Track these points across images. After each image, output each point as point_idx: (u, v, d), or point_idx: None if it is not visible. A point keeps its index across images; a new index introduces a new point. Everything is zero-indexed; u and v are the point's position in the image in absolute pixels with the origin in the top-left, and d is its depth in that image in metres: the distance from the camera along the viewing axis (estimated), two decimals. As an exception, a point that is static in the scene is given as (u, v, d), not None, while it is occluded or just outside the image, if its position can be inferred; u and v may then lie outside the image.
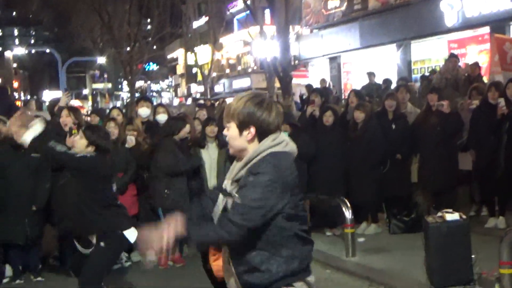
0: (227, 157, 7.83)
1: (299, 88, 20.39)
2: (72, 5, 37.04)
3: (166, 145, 7.89)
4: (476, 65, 12.97)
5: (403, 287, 6.45)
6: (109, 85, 66.14)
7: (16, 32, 61.63)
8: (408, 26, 19.91)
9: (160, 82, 70.20)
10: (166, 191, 7.78)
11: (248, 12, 25.05)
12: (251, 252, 3.16)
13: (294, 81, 21.50)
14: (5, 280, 7.46)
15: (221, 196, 3.31)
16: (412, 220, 8.67)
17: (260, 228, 3.10)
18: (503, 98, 8.25)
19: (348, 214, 7.58)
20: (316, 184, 8.53)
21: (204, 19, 43.34)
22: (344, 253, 7.64)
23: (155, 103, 12.26)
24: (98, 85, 69.58)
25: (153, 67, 62.06)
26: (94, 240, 5.41)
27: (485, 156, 8.48)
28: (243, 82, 38.25)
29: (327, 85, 19.91)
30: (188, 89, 52.70)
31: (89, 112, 23.83)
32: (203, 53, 43.26)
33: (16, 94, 51.38)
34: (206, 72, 41.54)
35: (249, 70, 40.16)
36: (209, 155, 8.30)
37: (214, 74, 43.41)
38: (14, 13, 63.74)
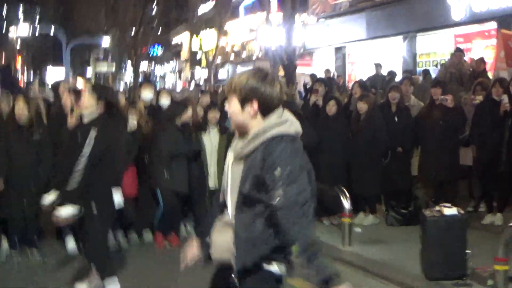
0: (228, 143, 7.84)
1: (303, 77, 20.35)
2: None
3: (168, 129, 7.91)
4: (481, 60, 12.92)
5: (398, 279, 6.47)
6: (113, 67, 65.99)
7: (21, 10, 61.55)
8: (414, 18, 19.82)
9: (165, 63, 70.09)
10: (165, 173, 7.80)
11: (255, -1, 24.98)
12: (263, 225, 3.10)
13: (298, 70, 21.44)
14: (2, 254, 7.53)
15: (228, 164, 3.27)
16: (410, 212, 8.69)
17: None
18: (507, 95, 8.24)
19: (346, 204, 7.60)
20: (316, 173, 8.52)
21: (210, 4, 43.18)
22: (340, 243, 7.67)
23: (158, 87, 12.26)
24: (102, 67, 69.41)
25: (158, 50, 61.88)
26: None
27: (486, 152, 8.48)
28: (247, 69, 38.15)
29: (332, 75, 19.88)
30: (192, 74, 52.60)
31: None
32: (208, 39, 43.16)
33: (19, 75, 51.36)
34: (210, 57, 41.43)
35: (254, 57, 40.04)
36: (210, 140, 8.32)
37: (218, 60, 43.34)
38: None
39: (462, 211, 6.48)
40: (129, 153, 7.72)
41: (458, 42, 18.65)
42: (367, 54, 23.42)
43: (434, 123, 8.75)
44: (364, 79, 16.23)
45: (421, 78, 14.43)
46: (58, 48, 47.65)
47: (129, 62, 44.20)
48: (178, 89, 37.42)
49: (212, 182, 8.25)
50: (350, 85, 16.75)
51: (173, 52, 61.57)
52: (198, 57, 48.05)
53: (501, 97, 8.26)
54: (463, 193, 9.47)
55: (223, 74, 42.49)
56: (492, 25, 17.12)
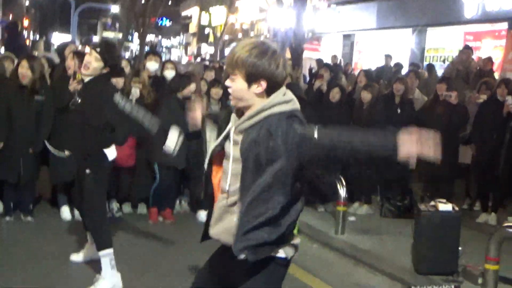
0: (228, 119, 7.81)
1: (309, 62, 20.28)
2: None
3: (168, 101, 7.87)
4: (489, 59, 12.88)
5: (387, 270, 6.49)
6: (120, 35, 65.82)
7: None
8: (426, 12, 19.72)
9: (171, 38, 69.86)
10: (164, 147, 7.76)
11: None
12: (270, 204, 3.02)
13: (306, 54, 21.37)
14: (-5, 216, 7.54)
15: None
16: (404, 205, 8.69)
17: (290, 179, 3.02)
18: (511, 96, 8.22)
19: (342, 192, 7.60)
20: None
21: (222, -21, 42.98)
22: (333, 230, 7.68)
23: (164, 59, 12.18)
24: (109, 34, 69.20)
25: (166, 22, 61.66)
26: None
27: (486, 152, 8.48)
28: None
29: (338, 62, 19.82)
30: (199, 49, 52.46)
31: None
32: (217, 14, 43.00)
33: (25, 33, 51.09)
34: (218, 34, 41.33)
35: (262, 37, 39.94)
36: (212, 117, 8.26)
37: (226, 37, 43.21)
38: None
39: (457, 208, 6.49)
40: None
41: (467, 40, 18.58)
42: (376, 43, 23.36)
43: (437, 118, 8.72)
44: (373, 69, 16.18)
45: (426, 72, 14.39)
46: (66, 11, 47.37)
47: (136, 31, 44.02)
48: (184, 63, 37.30)
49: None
50: (356, 73, 16.70)
51: (181, 25, 61.35)
52: (206, 32, 47.88)
53: (505, 98, 8.25)
54: (459, 191, 9.48)
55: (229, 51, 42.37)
56: (503, 25, 17.06)
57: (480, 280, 5.84)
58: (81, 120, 5.54)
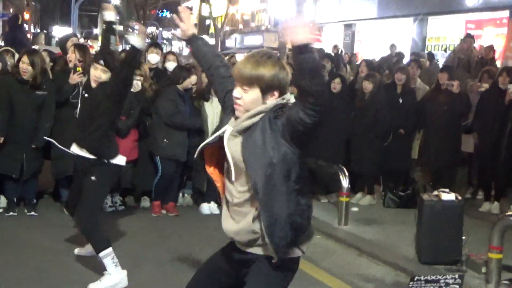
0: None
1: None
2: None
3: (168, 93, 7.86)
4: (491, 48, 12.85)
5: (391, 260, 6.49)
6: (121, 27, 65.71)
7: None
8: (427, 1, 19.69)
9: (172, 30, 69.67)
10: (165, 140, 7.78)
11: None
12: (282, 203, 3.09)
13: (307, 44, 21.33)
14: (-2, 210, 7.54)
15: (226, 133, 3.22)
16: (407, 195, 8.70)
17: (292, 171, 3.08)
18: (513, 84, 8.20)
19: (345, 182, 7.60)
20: (316, 149, 8.51)
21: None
22: (336, 221, 7.68)
23: (165, 51, 12.18)
24: (110, 27, 68.91)
25: (167, 14, 61.55)
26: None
27: (488, 140, 8.47)
28: (255, 40, 37.97)
29: (339, 52, 19.79)
30: (200, 40, 52.24)
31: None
32: (218, 5, 42.90)
33: (26, 26, 51.04)
34: (219, 25, 41.26)
35: (263, 28, 39.86)
36: (212, 108, 8.26)
37: (227, 28, 43.14)
38: None
39: (459, 197, 6.49)
40: (131, 114, 7.70)
41: (469, 28, 18.56)
42: (377, 33, 23.32)
43: (439, 107, 8.71)
44: (377, 58, 16.14)
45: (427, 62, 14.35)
46: (66, 5, 47.34)
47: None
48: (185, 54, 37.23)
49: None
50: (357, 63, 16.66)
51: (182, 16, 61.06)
52: (206, 23, 47.78)
53: (507, 86, 8.23)
54: (462, 180, 9.47)
55: (230, 42, 42.30)
56: (505, 13, 17.02)
57: (483, 269, 5.85)
58: (87, 113, 5.54)
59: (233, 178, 3.19)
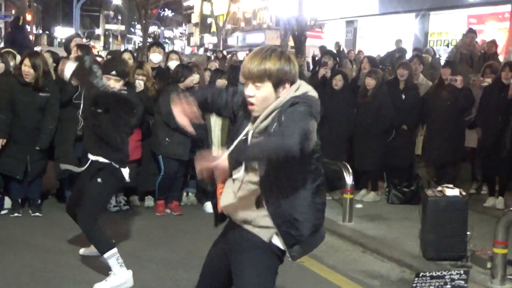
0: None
1: (312, 49, 20.25)
2: None
3: (169, 91, 7.86)
4: (493, 42, 12.82)
5: (396, 256, 6.49)
6: (122, 27, 65.78)
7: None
8: (428, -4, 19.66)
9: (174, 29, 69.79)
10: (167, 139, 7.79)
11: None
12: (294, 200, 3.16)
13: (309, 41, 21.34)
14: (3, 212, 7.54)
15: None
16: (411, 191, 8.69)
17: (302, 169, 3.13)
18: (516, 79, 8.18)
19: (349, 179, 7.60)
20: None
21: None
22: (340, 218, 7.68)
23: (167, 50, 12.24)
24: (111, 26, 69.19)
25: (168, 13, 61.63)
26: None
27: (491, 135, 8.46)
28: (257, 37, 37.99)
29: (340, 49, 19.78)
30: (201, 39, 52.44)
31: (99, 52, 23.73)
32: (219, 4, 42.92)
33: (28, 28, 51.16)
34: (221, 23, 41.27)
35: (264, 26, 39.88)
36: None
37: (228, 26, 43.16)
38: None
39: (464, 193, 6.48)
40: (134, 114, 7.70)
41: (471, 23, 18.53)
42: (379, 29, 23.29)
43: (442, 103, 8.70)
44: (382, 54, 16.11)
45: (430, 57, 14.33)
46: (68, 5, 47.38)
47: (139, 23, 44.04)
48: (187, 53, 37.27)
49: (216, 149, 8.24)
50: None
51: (184, 15, 61.24)
52: (208, 22, 47.80)
53: (510, 81, 8.21)
54: (466, 175, 9.47)
55: (232, 41, 42.31)
56: (507, 8, 17.00)
57: (488, 264, 5.84)
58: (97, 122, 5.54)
59: (241, 174, 3.21)
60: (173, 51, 10.30)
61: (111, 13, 69.24)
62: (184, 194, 8.58)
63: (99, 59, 9.33)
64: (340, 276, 6.08)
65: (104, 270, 5.49)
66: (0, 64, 7.55)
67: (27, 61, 7.14)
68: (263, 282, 3.24)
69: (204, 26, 52.66)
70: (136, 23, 53.36)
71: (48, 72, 7.48)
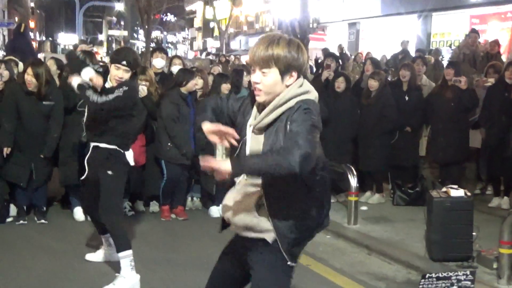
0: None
1: (315, 52, 20.25)
2: None
3: (171, 95, 7.87)
4: (496, 42, 12.81)
5: (402, 258, 6.48)
6: (125, 33, 65.92)
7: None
8: (431, -3, 19.65)
9: (176, 34, 69.87)
10: (169, 143, 7.80)
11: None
12: (295, 204, 3.15)
13: (311, 44, 21.34)
14: (8, 220, 7.55)
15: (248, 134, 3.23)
16: (416, 193, 8.69)
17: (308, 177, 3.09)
18: (519, 78, 8.18)
19: (353, 181, 7.59)
20: (323, 149, 8.51)
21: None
22: (346, 220, 7.68)
23: (170, 55, 12.26)
24: (114, 32, 69.32)
25: (171, 18, 61.72)
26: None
27: (495, 134, 8.46)
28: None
29: (342, 51, 19.79)
30: (204, 43, 52.49)
31: (103, 58, 23.78)
32: (222, 8, 42.97)
33: (32, 34, 51.28)
34: (223, 27, 41.32)
35: (267, 29, 39.89)
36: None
37: (231, 30, 43.18)
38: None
39: (468, 193, 6.47)
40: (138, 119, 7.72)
41: (473, 23, 18.53)
42: (381, 31, 23.29)
43: (446, 103, 8.70)
44: (382, 56, 16.12)
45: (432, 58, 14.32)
46: (71, 12, 47.50)
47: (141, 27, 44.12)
48: (190, 57, 37.31)
49: (219, 154, 8.24)
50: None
51: (186, 20, 61.31)
52: (211, 26, 47.86)
53: (514, 81, 8.22)
54: (470, 176, 9.46)
55: (235, 44, 42.35)
56: (509, 7, 16.99)
57: (495, 265, 5.84)
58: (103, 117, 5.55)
59: (241, 177, 3.21)
60: (176, 56, 10.32)
61: (114, 18, 69.40)
62: (189, 198, 8.58)
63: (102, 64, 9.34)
64: (346, 279, 6.07)
65: (111, 275, 5.50)
66: (5, 72, 7.54)
67: (29, 70, 7.15)
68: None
69: (206, 30, 52.72)
70: (138, 28, 53.39)
71: (52, 81, 7.48)
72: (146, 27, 35.90)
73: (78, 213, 7.68)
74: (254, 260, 3.25)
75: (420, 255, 6.44)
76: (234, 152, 3.28)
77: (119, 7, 48.17)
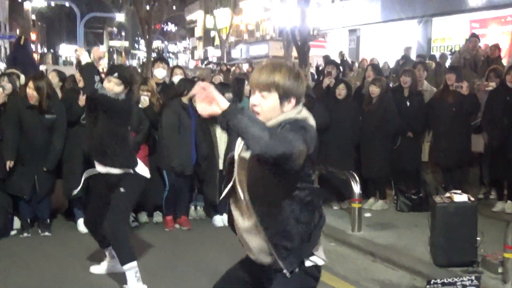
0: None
1: (316, 59, 20.27)
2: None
3: (172, 105, 7.88)
4: (496, 46, 12.83)
5: (407, 264, 6.47)
6: (126, 43, 66.04)
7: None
8: (430, 2, 19.69)
9: (177, 43, 69.99)
10: (170, 154, 7.80)
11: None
12: (285, 215, 3.16)
13: (312, 51, 21.39)
14: (12, 233, 7.55)
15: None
16: (419, 198, 8.68)
17: (293, 187, 3.12)
18: (520, 82, 8.18)
19: (356, 188, 7.59)
20: (326, 157, 8.53)
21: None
22: (350, 227, 7.67)
23: (171, 65, 12.32)
24: (115, 43, 69.52)
25: (172, 28, 61.84)
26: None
27: (497, 139, 8.45)
28: (260, 49, 38.10)
29: (343, 58, 19.82)
30: (205, 52, 52.57)
31: (104, 69, 23.82)
32: (222, 17, 43.07)
33: (33, 46, 51.44)
34: (224, 36, 41.39)
35: (268, 37, 39.98)
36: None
37: (232, 39, 43.26)
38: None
39: (472, 198, 6.47)
40: (140, 130, 7.73)
41: (473, 28, 18.55)
42: (382, 37, 23.30)
43: (447, 108, 8.70)
44: (383, 62, 16.12)
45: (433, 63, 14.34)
46: (72, 23, 47.63)
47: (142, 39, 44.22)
48: (191, 67, 37.37)
49: (222, 163, 8.24)
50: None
51: (187, 29, 61.42)
52: (211, 35, 47.95)
53: (515, 84, 8.21)
54: (473, 180, 9.45)
55: (236, 53, 42.41)
56: (509, 11, 17.00)
57: (500, 269, 5.82)
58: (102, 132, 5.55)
59: (241, 195, 3.21)
60: (177, 66, 10.34)
61: (115, 29, 69.60)
62: (192, 208, 8.58)
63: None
64: (350, 286, 6.07)
65: (116, 287, 5.50)
66: (8, 85, 7.57)
67: (31, 84, 7.16)
68: None
69: (207, 40, 52.82)
70: (139, 38, 53.44)
71: (53, 94, 7.50)
72: (147, 37, 35.98)
73: (82, 224, 7.68)
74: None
75: (425, 261, 6.43)
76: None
77: (120, 17, 48.25)
